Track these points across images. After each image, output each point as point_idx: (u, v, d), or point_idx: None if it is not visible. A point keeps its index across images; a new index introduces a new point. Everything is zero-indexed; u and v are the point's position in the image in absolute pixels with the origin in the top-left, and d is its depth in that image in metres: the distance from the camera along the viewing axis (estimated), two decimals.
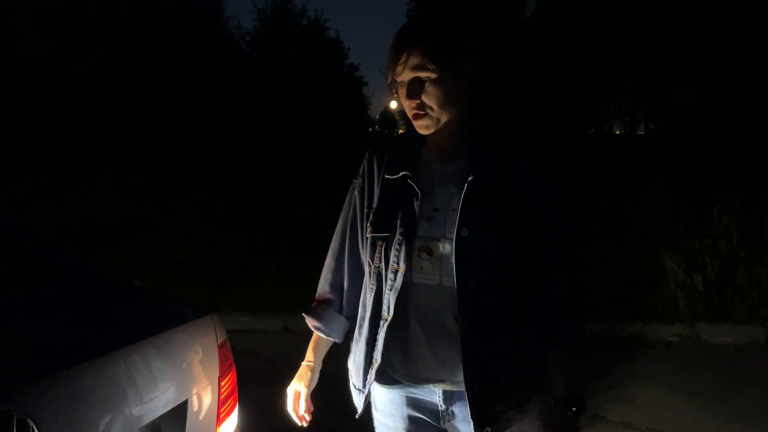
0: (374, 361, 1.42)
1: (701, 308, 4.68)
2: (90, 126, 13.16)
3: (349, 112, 29.14)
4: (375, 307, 1.42)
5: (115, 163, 12.45)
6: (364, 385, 1.46)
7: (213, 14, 22.28)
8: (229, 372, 1.78)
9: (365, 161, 1.51)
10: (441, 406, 1.42)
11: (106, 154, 12.77)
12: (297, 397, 1.54)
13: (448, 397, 1.41)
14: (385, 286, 1.39)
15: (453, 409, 1.42)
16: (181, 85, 16.25)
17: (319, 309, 1.55)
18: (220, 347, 1.75)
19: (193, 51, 17.42)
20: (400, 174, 1.40)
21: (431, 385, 1.41)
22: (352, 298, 1.54)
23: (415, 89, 1.32)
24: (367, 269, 1.45)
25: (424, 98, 1.32)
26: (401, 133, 1.53)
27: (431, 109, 1.33)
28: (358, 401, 1.50)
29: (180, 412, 1.59)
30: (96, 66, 13.53)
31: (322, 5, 64.05)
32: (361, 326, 1.48)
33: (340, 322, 1.55)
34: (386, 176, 1.43)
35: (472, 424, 1.36)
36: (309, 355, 1.56)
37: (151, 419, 1.50)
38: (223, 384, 1.74)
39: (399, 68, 1.32)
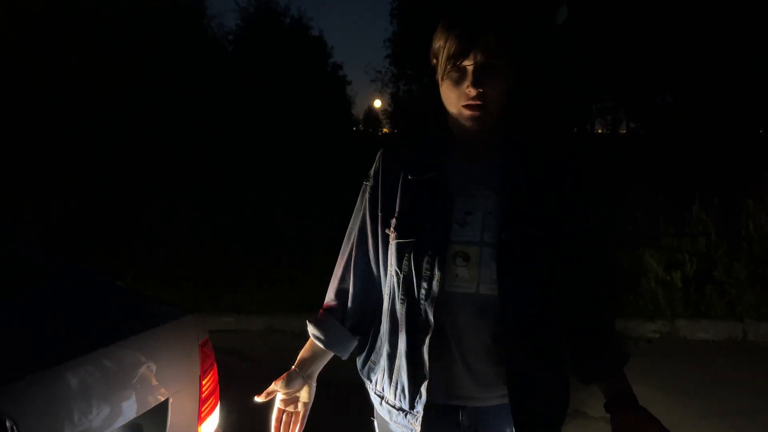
0: (424, 376, 1.28)
1: (680, 305, 4.76)
2: (72, 125, 13.03)
3: (333, 112, 29.07)
4: (410, 318, 1.29)
5: (97, 164, 12.34)
6: (413, 406, 1.31)
7: (196, 13, 22.10)
8: (210, 371, 1.77)
9: (379, 161, 1.39)
10: (464, 423, 1.33)
11: (87, 155, 12.65)
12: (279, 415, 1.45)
13: (473, 414, 1.32)
14: (419, 296, 1.27)
15: (477, 426, 1.33)
16: (162, 84, 16.12)
17: (321, 317, 1.46)
18: (201, 346, 1.75)
19: (175, 49, 17.29)
20: (428, 176, 1.30)
21: (460, 402, 1.32)
22: (356, 309, 1.44)
23: (482, 77, 1.20)
24: (394, 279, 1.32)
25: (488, 89, 1.21)
26: (423, 133, 1.40)
27: (491, 101, 1.23)
28: (405, 423, 1.35)
29: (161, 411, 1.59)
30: (79, 64, 13.41)
31: (305, 4, 64.09)
32: (392, 342, 1.35)
33: (342, 334, 1.44)
34: (409, 177, 1.32)
35: None
36: (298, 362, 1.46)
37: (132, 418, 1.49)
38: (204, 383, 1.74)
39: (470, 51, 1.20)
